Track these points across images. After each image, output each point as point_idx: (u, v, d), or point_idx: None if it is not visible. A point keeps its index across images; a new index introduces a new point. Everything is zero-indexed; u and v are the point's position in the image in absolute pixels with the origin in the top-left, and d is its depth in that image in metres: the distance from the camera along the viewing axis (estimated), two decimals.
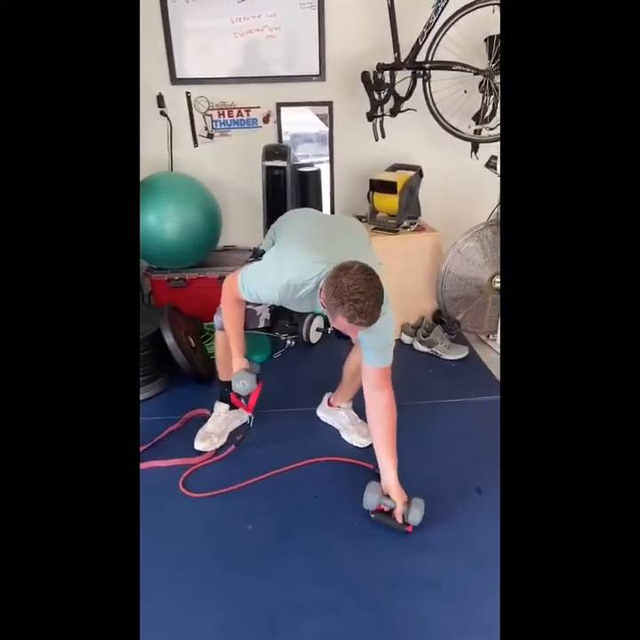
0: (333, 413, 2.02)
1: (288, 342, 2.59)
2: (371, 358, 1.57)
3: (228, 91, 2.69)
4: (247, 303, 1.72)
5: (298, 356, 2.53)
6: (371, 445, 1.85)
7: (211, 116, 2.74)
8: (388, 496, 1.58)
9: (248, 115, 2.75)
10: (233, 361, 1.70)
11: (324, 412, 2.05)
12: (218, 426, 1.93)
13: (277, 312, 1.90)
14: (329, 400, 2.04)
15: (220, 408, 1.96)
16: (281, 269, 1.50)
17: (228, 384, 1.89)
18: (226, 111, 2.74)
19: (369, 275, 1.32)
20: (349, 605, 1.34)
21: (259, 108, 2.74)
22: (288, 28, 2.59)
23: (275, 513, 1.63)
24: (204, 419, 2.00)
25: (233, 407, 1.94)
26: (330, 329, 1.88)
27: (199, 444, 1.87)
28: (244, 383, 1.66)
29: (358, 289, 1.28)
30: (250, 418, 1.78)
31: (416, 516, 1.53)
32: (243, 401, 1.74)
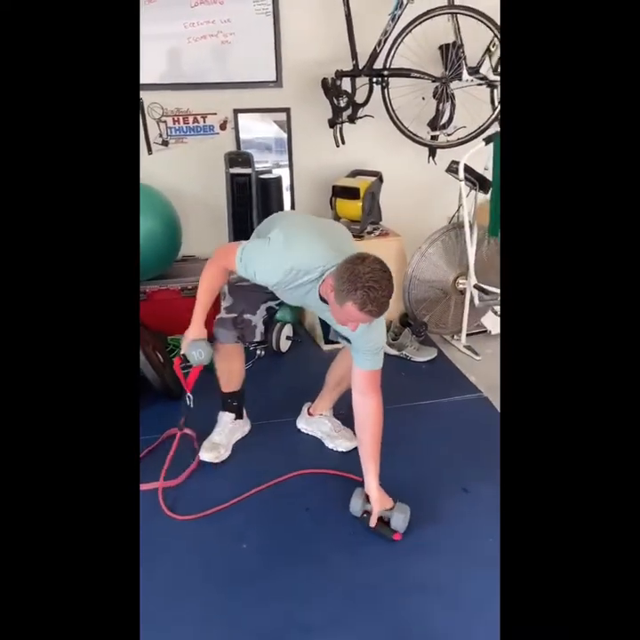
0: (315, 422, 1.99)
1: (258, 352, 2.53)
2: (362, 362, 1.56)
3: (182, 97, 2.62)
4: (242, 315, 1.73)
5: (269, 366, 2.49)
6: (356, 449, 1.84)
7: (165, 122, 2.65)
8: (369, 517, 1.56)
9: (204, 121, 2.69)
10: (190, 327, 1.64)
11: (304, 423, 2.02)
12: (225, 436, 1.87)
13: (266, 323, 1.84)
14: (309, 410, 2.01)
15: (226, 418, 1.90)
16: (288, 252, 1.49)
17: (232, 395, 1.88)
18: (181, 118, 2.66)
19: (384, 267, 1.35)
20: (356, 617, 1.31)
21: (215, 114, 2.68)
22: (243, 33, 2.56)
23: (268, 529, 1.58)
24: (185, 438, 1.91)
25: (238, 417, 1.91)
26: (330, 333, 1.85)
27: (206, 455, 1.81)
28: (200, 353, 1.61)
29: (374, 277, 1.30)
30: (188, 397, 1.74)
31: (399, 520, 1.52)
32: (184, 375, 1.70)
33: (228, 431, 1.89)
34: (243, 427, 1.95)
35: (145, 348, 2.05)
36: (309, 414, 2.00)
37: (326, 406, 1.98)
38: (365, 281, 1.29)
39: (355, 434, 1.80)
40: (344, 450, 1.89)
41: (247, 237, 2.27)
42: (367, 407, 1.60)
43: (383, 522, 1.56)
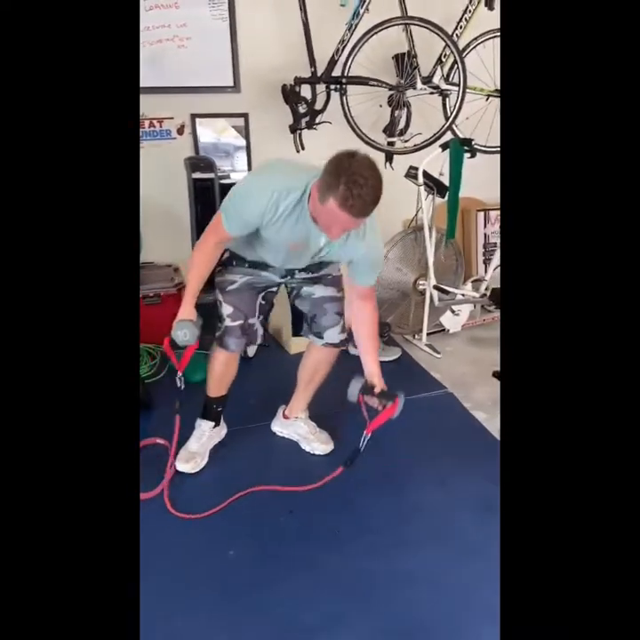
0: (290, 425, 1.99)
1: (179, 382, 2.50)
2: (361, 277, 1.60)
3: (142, 101, 2.56)
4: (247, 320, 1.71)
5: (238, 371, 2.47)
6: (332, 452, 1.89)
7: None
8: (371, 390, 1.61)
9: (161, 126, 2.65)
10: (180, 308, 1.60)
11: (279, 426, 2.02)
12: (202, 445, 1.83)
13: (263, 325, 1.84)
14: (284, 413, 2.02)
15: (205, 426, 1.86)
16: (266, 180, 1.45)
17: (219, 400, 1.85)
18: (147, 122, 2.61)
19: (373, 165, 1.27)
20: (353, 615, 1.33)
21: (172, 119, 2.65)
22: (199, 38, 2.55)
23: (253, 534, 1.57)
24: (162, 447, 1.88)
25: (217, 424, 1.87)
26: (302, 329, 1.87)
27: (183, 466, 1.77)
28: (185, 333, 1.58)
29: (361, 172, 1.22)
30: (180, 379, 1.71)
31: (402, 398, 1.60)
32: (176, 357, 1.67)
33: (205, 439, 1.85)
34: (219, 432, 1.92)
35: None
36: (285, 417, 2.01)
37: (301, 407, 1.98)
38: (351, 173, 1.21)
39: (330, 437, 1.92)
40: (321, 453, 1.90)
41: None
42: (366, 311, 1.66)
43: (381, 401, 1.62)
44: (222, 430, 1.94)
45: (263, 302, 1.78)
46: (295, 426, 1.98)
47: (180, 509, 1.64)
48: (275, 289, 1.81)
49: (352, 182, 1.21)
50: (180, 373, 1.70)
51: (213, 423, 1.87)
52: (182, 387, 1.72)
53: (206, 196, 2.37)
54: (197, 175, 2.37)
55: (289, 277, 1.75)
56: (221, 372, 1.81)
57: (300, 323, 1.90)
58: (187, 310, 1.61)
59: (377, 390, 1.60)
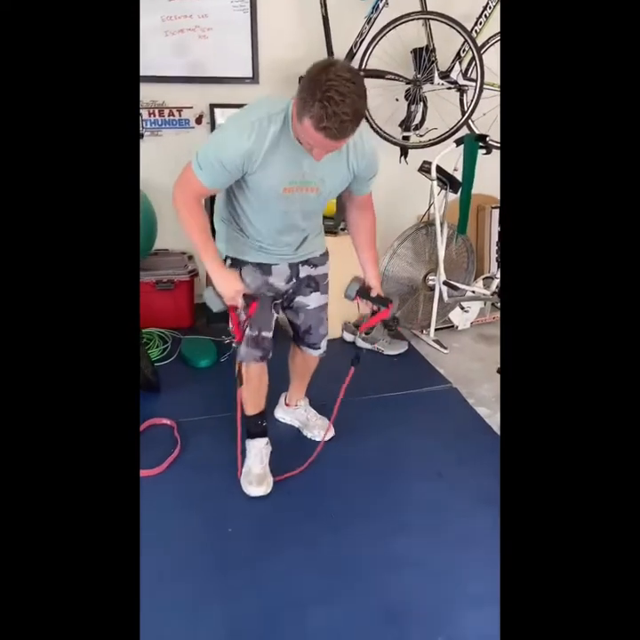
0: (292, 412, 2.03)
1: (233, 345, 2.55)
2: (360, 188, 1.53)
3: (158, 90, 2.62)
4: (261, 333, 1.60)
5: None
6: (333, 438, 1.92)
7: (140, 115, 2.64)
8: (367, 292, 1.61)
9: (180, 115, 2.69)
10: (214, 272, 1.43)
11: (282, 413, 2.06)
12: (264, 465, 1.73)
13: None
14: (285, 400, 2.05)
15: (259, 444, 1.75)
16: (243, 116, 1.32)
17: (260, 415, 1.76)
18: (157, 111, 2.66)
19: (355, 78, 1.13)
20: (343, 593, 1.37)
21: (191, 108, 2.69)
22: (220, 29, 2.58)
23: (251, 512, 1.62)
24: (165, 428, 1.95)
25: (268, 440, 1.79)
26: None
27: (257, 490, 1.66)
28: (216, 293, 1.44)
29: (338, 88, 1.09)
30: (238, 344, 1.61)
31: (395, 304, 1.66)
32: (241, 319, 1.53)
33: (264, 457, 1.74)
34: (270, 447, 1.80)
35: None
36: (287, 405, 2.04)
37: (300, 396, 2.01)
38: (325, 90, 1.09)
39: (328, 423, 1.91)
40: (320, 440, 1.90)
41: None
42: (365, 219, 1.64)
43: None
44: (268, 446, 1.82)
45: (274, 317, 1.68)
46: (296, 413, 2.02)
47: (186, 490, 1.70)
48: (279, 301, 1.69)
49: (327, 99, 1.10)
50: (237, 341, 1.59)
51: (266, 439, 1.78)
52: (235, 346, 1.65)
53: None
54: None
55: (294, 281, 1.65)
56: (256, 386, 1.71)
57: (292, 332, 1.83)
58: (219, 270, 1.44)
59: (373, 293, 1.63)
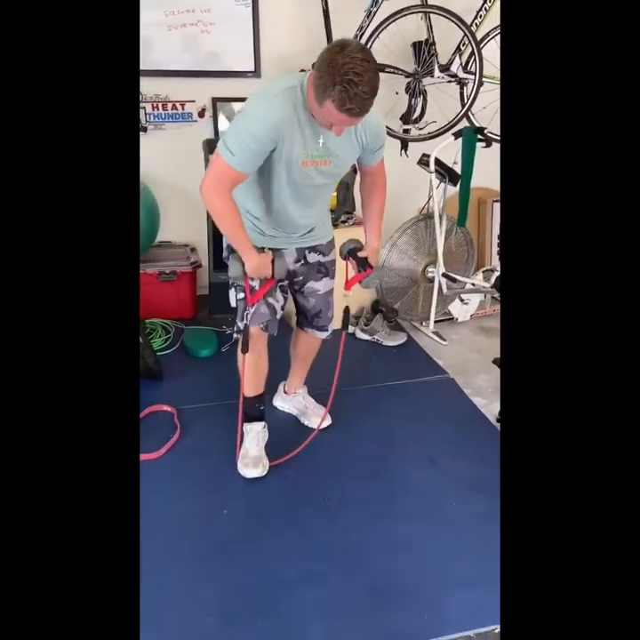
0: (290, 400, 2.07)
1: (234, 335, 2.60)
2: (370, 159, 1.60)
3: (161, 83, 2.66)
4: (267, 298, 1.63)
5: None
6: (330, 426, 1.96)
7: (144, 108, 2.68)
8: (356, 253, 1.68)
9: (183, 109, 2.73)
10: (247, 256, 1.50)
11: (281, 401, 2.09)
12: (261, 447, 1.77)
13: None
14: (284, 388, 2.09)
15: (257, 427, 1.79)
16: (265, 93, 1.36)
17: (259, 398, 1.79)
18: (160, 104, 2.70)
19: (367, 56, 1.20)
20: (334, 573, 1.42)
21: (194, 102, 2.73)
22: (223, 23, 2.61)
23: (246, 496, 1.67)
24: (166, 415, 2.00)
25: (266, 423, 1.82)
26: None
27: (252, 471, 1.70)
28: (278, 264, 1.56)
29: (354, 69, 1.16)
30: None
31: (375, 275, 1.71)
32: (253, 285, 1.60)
33: (260, 440, 1.78)
34: (266, 431, 1.84)
35: None
36: (285, 393, 2.08)
37: (299, 383, 2.05)
38: (344, 74, 1.15)
39: (325, 411, 1.95)
40: (316, 427, 1.93)
41: None
42: (380, 187, 1.71)
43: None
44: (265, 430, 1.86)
45: (283, 294, 1.72)
46: (294, 401, 2.06)
47: (184, 474, 1.75)
48: (286, 282, 1.72)
49: (347, 82, 1.16)
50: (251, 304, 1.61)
51: (263, 423, 1.82)
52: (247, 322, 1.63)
53: None
54: (212, 156, 2.43)
55: (302, 262, 1.71)
56: (252, 362, 1.70)
57: (299, 316, 1.88)
58: (255, 253, 1.52)
59: (361, 254, 1.69)
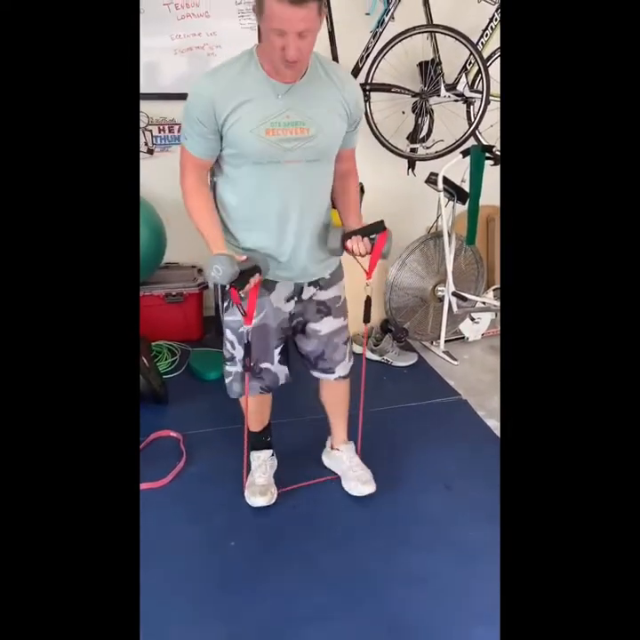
0: (335, 458, 1.83)
1: (227, 368, 2.55)
2: (349, 140, 1.47)
3: (168, 106, 2.66)
4: (258, 364, 1.54)
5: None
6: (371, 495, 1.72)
7: (151, 131, 2.69)
8: (352, 233, 1.42)
9: None
10: (212, 250, 1.36)
11: (327, 458, 1.87)
12: (268, 476, 1.72)
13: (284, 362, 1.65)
14: (331, 444, 1.87)
15: (264, 455, 1.75)
16: (205, 73, 1.34)
17: (265, 431, 1.75)
18: (167, 127, 2.70)
19: None
20: (348, 608, 1.35)
21: None
22: (229, 47, 2.62)
23: (254, 526, 1.61)
24: (172, 441, 1.95)
25: (273, 452, 1.78)
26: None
27: (260, 500, 1.64)
28: (218, 269, 1.26)
29: None
30: (247, 332, 1.45)
31: (389, 240, 1.43)
32: (242, 304, 1.38)
33: (268, 468, 1.73)
34: (275, 459, 1.80)
35: None
36: (331, 448, 1.87)
37: (340, 437, 1.84)
38: None
39: (372, 477, 1.73)
40: (357, 494, 1.71)
41: None
42: (352, 178, 1.56)
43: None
44: (274, 460, 1.80)
45: (281, 343, 1.60)
46: (337, 459, 1.82)
47: (190, 502, 1.69)
48: (287, 325, 1.59)
49: None
50: (248, 325, 1.44)
51: (271, 451, 1.78)
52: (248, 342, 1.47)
53: None
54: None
55: (296, 300, 1.55)
56: (256, 410, 1.69)
57: (302, 360, 1.71)
58: (216, 247, 1.35)
59: (354, 229, 1.43)
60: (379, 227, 1.40)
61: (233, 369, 1.61)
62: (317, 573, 1.45)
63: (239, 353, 1.55)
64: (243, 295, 1.34)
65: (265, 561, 1.49)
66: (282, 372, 1.63)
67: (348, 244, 1.42)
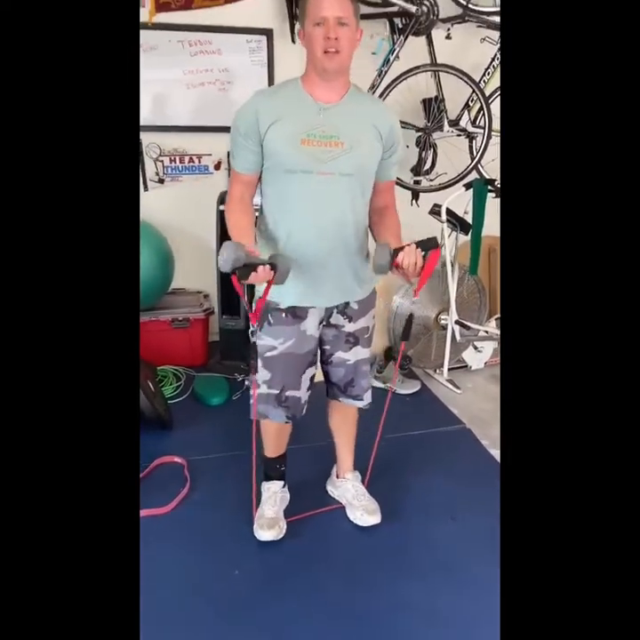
0: (340, 487, 1.83)
1: (246, 382, 2.58)
2: (386, 169, 1.49)
3: (180, 138, 2.75)
4: (283, 392, 1.53)
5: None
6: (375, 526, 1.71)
7: (162, 161, 2.77)
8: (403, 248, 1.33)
9: (199, 161, 2.81)
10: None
11: (332, 486, 1.87)
12: (278, 509, 1.69)
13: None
14: (337, 473, 1.87)
15: (275, 487, 1.73)
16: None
17: (280, 459, 1.73)
18: (177, 157, 2.78)
19: None
20: (348, 638, 1.34)
21: (210, 155, 2.81)
22: (239, 82, 2.72)
23: (259, 555, 1.60)
24: (176, 466, 1.95)
25: (285, 484, 1.76)
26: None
27: (267, 534, 1.61)
28: (222, 254, 1.20)
29: None
30: (252, 332, 1.42)
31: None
32: (246, 295, 1.33)
33: (278, 501, 1.70)
34: (286, 492, 1.77)
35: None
36: (337, 477, 1.86)
37: (347, 466, 1.83)
38: None
39: (378, 507, 1.73)
40: (362, 524, 1.70)
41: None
42: (391, 207, 1.55)
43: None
44: (286, 493, 1.78)
45: (309, 369, 1.59)
46: (343, 488, 1.81)
47: (194, 530, 1.69)
48: (314, 350, 1.59)
49: None
50: (253, 323, 1.41)
51: (282, 482, 1.75)
52: (254, 340, 1.47)
53: None
54: (223, 207, 2.50)
55: (324, 324, 1.55)
56: (275, 434, 1.68)
57: (329, 386, 1.71)
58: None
59: (413, 243, 1.33)
60: (432, 242, 1.34)
61: (256, 391, 1.58)
62: (321, 602, 1.44)
63: (263, 375, 1.54)
64: (244, 283, 1.25)
65: (269, 589, 1.48)
66: (306, 398, 1.60)
67: (400, 256, 1.32)
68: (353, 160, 1.39)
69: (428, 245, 1.33)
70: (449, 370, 2.76)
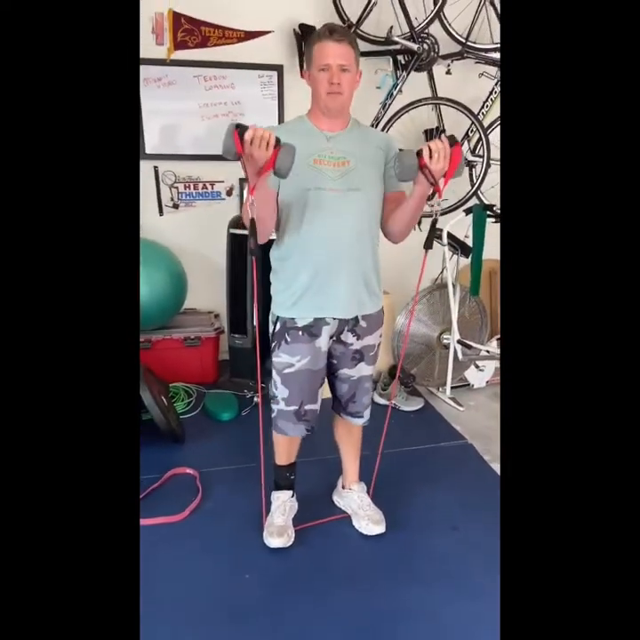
0: (346, 497, 1.90)
1: (254, 399, 2.67)
2: (397, 184, 1.58)
3: (194, 166, 2.90)
4: (302, 406, 1.62)
5: (265, 413, 2.61)
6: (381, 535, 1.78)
7: (177, 188, 2.91)
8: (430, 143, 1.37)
9: (212, 188, 2.96)
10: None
11: (338, 497, 1.94)
12: (287, 517, 1.76)
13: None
14: (343, 483, 1.94)
15: (284, 496, 1.79)
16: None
17: (290, 467, 1.80)
18: (191, 184, 2.93)
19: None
20: None
21: (222, 182, 2.96)
22: (251, 114, 2.88)
23: (268, 561, 1.67)
24: (188, 477, 2.03)
25: (294, 493, 1.82)
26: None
27: (277, 541, 1.69)
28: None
29: (326, 26, 1.47)
30: (252, 202, 1.38)
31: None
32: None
33: (288, 510, 1.77)
34: (295, 501, 1.83)
35: (152, 390, 2.18)
36: (343, 487, 1.94)
37: (352, 478, 1.91)
38: (318, 32, 1.48)
39: (383, 517, 1.80)
40: (368, 533, 1.77)
41: (243, 293, 2.46)
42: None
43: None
44: (294, 502, 1.83)
45: (323, 381, 1.69)
46: (349, 499, 1.88)
47: (205, 537, 1.76)
48: (325, 362, 1.67)
49: (320, 31, 1.46)
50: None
51: (291, 492, 1.82)
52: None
53: (240, 250, 2.64)
54: (234, 231, 2.64)
55: (334, 339, 1.62)
56: (288, 442, 1.75)
57: (334, 400, 1.81)
58: None
59: (441, 136, 1.37)
60: (453, 139, 1.34)
61: (276, 407, 1.68)
62: (328, 608, 1.50)
63: (282, 392, 1.64)
64: (246, 138, 1.26)
65: (277, 595, 1.55)
66: (319, 409, 1.69)
67: (426, 150, 1.34)
68: (359, 176, 1.53)
69: (451, 140, 1.34)
70: (452, 388, 2.84)
